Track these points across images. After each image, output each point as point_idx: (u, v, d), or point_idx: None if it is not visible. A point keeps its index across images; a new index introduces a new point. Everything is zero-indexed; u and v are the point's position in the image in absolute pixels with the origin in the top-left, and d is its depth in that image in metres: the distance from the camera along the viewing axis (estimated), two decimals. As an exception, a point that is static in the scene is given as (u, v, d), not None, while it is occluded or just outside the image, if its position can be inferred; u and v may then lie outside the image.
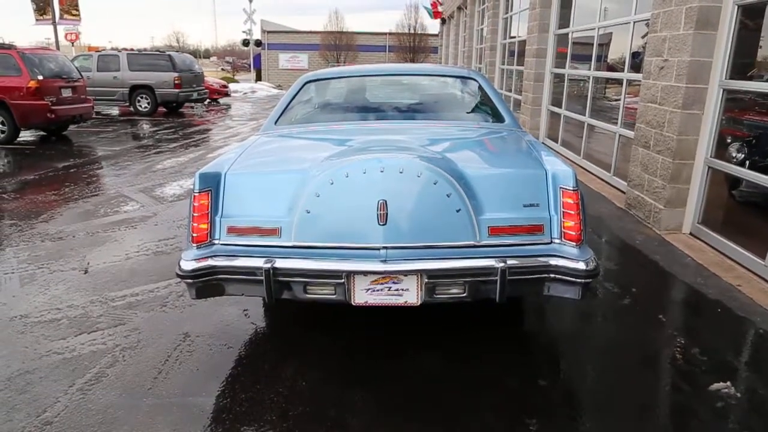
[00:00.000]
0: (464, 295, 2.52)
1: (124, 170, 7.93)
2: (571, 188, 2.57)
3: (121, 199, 6.23)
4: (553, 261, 2.50)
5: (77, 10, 22.03)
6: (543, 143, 3.27)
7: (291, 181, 2.61)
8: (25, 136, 11.18)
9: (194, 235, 2.62)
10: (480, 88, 3.93)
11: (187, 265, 2.57)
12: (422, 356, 2.94)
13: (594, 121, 7.79)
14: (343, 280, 2.48)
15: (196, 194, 2.63)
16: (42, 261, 4.30)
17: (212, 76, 25.98)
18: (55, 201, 6.11)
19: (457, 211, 2.48)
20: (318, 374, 2.80)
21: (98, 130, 12.57)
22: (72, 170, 7.89)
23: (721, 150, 4.71)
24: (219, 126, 13.93)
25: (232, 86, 26.51)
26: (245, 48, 35.24)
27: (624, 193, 6.12)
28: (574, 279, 2.49)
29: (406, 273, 2.46)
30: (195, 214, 2.62)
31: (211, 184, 2.66)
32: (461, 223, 2.48)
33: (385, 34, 44.14)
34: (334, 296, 2.53)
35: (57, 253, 4.46)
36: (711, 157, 4.80)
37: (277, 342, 3.12)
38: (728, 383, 2.71)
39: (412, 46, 43.07)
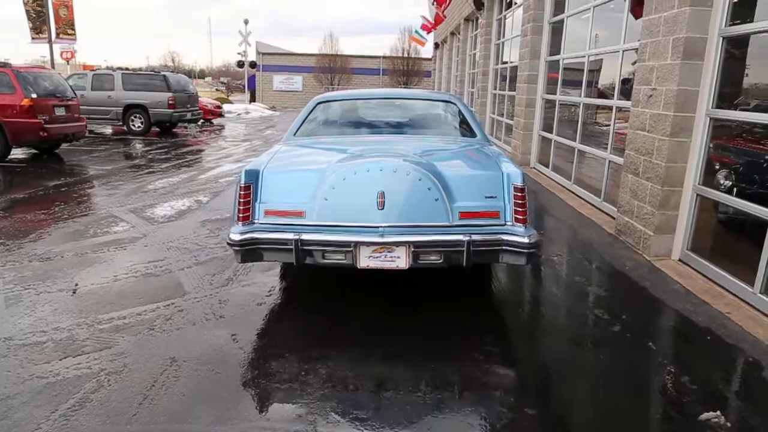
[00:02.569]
0: (440, 261, 3.49)
1: (116, 190, 7.89)
2: (520, 185, 3.59)
3: (111, 220, 6.18)
4: (505, 237, 3.51)
5: (73, 29, 22.13)
6: (502, 152, 4.28)
7: (313, 176, 3.62)
8: (17, 153, 11.11)
9: (240, 215, 3.60)
10: (457, 109, 5.15)
11: (235, 236, 3.55)
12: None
13: (584, 147, 7.85)
14: (351, 249, 3.44)
15: (242, 185, 3.62)
16: (29, 282, 4.25)
17: (207, 97, 26.06)
18: (44, 220, 6.07)
19: (436, 200, 3.49)
20: (309, 396, 2.79)
21: (91, 149, 12.51)
22: (62, 189, 7.84)
23: (709, 177, 4.74)
24: (212, 147, 13.93)
25: (226, 107, 26.59)
26: (240, 69, 35.50)
27: (614, 219, 6.13)
28: (520, 249, 3.49)
29: (398, 244, 3.43)
30: (241, 200, 3.61)
31: (253, 178, 3.67)
32: (438, 209, 3.49)
33: (379, 57, 44.55)
34: (344, 261, 3.48)
35: (44, 274, 4.41)
36: (699, 184, 4.84)
37: (264, 368, 3.08)
38: (718, 412, 2.71)
39: (405, 70, 43.48)
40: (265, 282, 4.34)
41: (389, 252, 3.49)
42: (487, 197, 3.62)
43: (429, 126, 5.11)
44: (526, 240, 3.52)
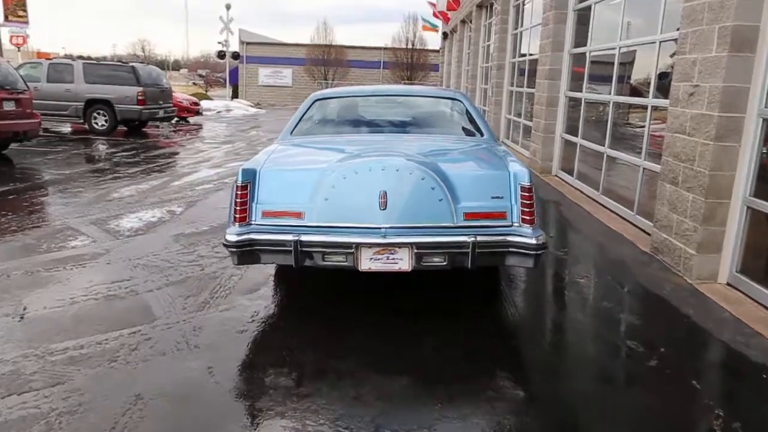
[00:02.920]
0: (444, 263, 3.83)
1: (74, 198, 7.83)
2: (527, 184, 3.95)
3: (68, 233, 6.15)
4: (512, 238, 3.85)
5: (25, 11, 22.05)
6: (509, 152, 4.67)
7: (312, 176, 3.99)
8: (-38, 156, 11.14)
9: (237, 216, 3.96)
10: (464, 107, 5.57)
11: (232, 237, 3.90)
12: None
13: (614, 152, 7.85)
14: (353, 250, 3.78)
15: (239, 184, 3.98)
16: (-31, 305, 4.16)
17: (182, 92, 26.16)
18: (-10, 233, 6.02)
19: (440, 200, 3.84)
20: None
21: (45, 149, 12.41)
22: (11, 197, 7.78)
23: (762, 187, 4.70)
24: (187, 149, 13.94)
25: (204, 104, 26.70)
26: (221, 61, 35.68)
27: (649, 235, 6.12)
28: (527, 251, 3.84)
29: (400, 245, 3.78)
30: (238, 200, 3.97)
31: (250, 178, 4.02)
32: (442, 209, 3.84)
33: (380, 48, 44.87)
34: (345, 263, 3.82)
35: (-12, 296, 4.34)
36: (750, 195, 4.80)
37: (246, 407, 3.06)
38: (774, 464, 2.65)
39: (409, 63, 43.80)
40: (247, 306, 4.33)
41: (392, 254, 3.85)
42: (493, 197, 4.01)
43: (433, 125, 5.55)
44: (533, 241, 3.88)
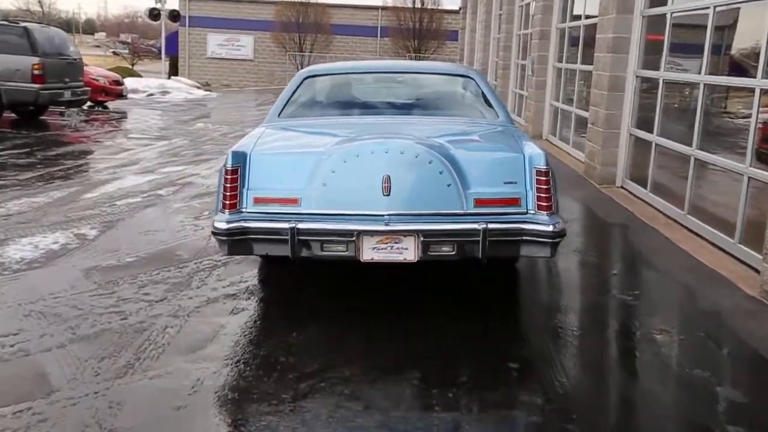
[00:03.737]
0: (453, 253, 4.77)
1: (-57, 215, 7.84)
2: (544, 168, 4.86)
3: (-76, 267, 6.09)
4: (527, 226, 4.74)
5: None
6: (525, 134, 5.92)
7: (309, 160, 4.91)
8: None
9: (226, 202, 4.85)
10: (476, 85, 6.62)
11: (221, 225, 4.80)
12: None
13: (706, 155, 7.86)
14: (354, 238, 4.66)
15: (228, 168, 4.91)
16: None
17: (98, 66, 26.21)
18: None
19: (448, 185, 4.73)
20: None
21: None
22: None
23: None
24: (106, 147, 13.96)
25: (129, 83, 26.67)
26: (153, 23, 35.78)
27: (758, 272, 6.07)
28: (544, 239, 4.73)
29: (405, 233, 4.67)
30: (227, 185, 4.88)
31: (240, 161, 4.93)
32: (451, 195, 4.73)
33: (377, 8, 45.29)
34: (345, 253, 4.75)
35: None
36: None
37: None
38: None
39: (417, 30, 44.13)
40: (188, 370, 4.29)
41: (396, 243, 4.75)
42: (506, 183, 4.91)
43: (441, 106, 6.66)
44: (550, 228, 4.77)
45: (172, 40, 41.00)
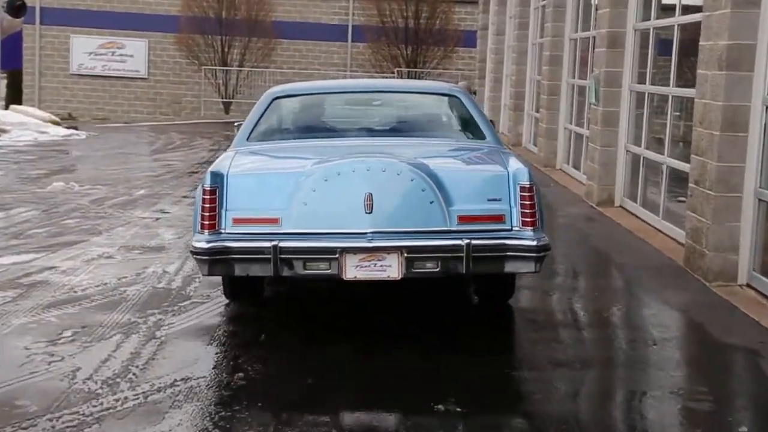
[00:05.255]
0: (437, 270, 7.41)
1: None
2: (527, 183, 7.42)
3: None
4: (510, 242, 7.37)
5: None
6: (512, 153, 9.07)
7: (289, 179, 7.52)
8: None
9: (205, 223, 7.33)
10: (462, 105, 9.43)
11: (201, 244, 7.27)
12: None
13: None
14: (337, 256, 7.15)
15: (206, 188, 7.36)
16: None
17: None
18: None
19: (431, 202, 7.26)
20: None
21: None
22: None
23: None
24: None
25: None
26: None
27: None
28: (528, 254, 7.37)
29: (389, 250, 7.21)
30: (206, 206, 7.33)
31: (218, 182, 7.40)
32: (434, 212, 7.27)
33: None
34: (329, 271, 7.25)
35: None
36: None
37: None
38: None
39: (412, 30, 43.93)
40: None
41: (379, 260, 7.12)
42: (489, 200, 7.42)
43: (424, 128, 9.66)
44: (534, 243, 7.25)
45: (12, 45, 39.89)
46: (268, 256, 6.95)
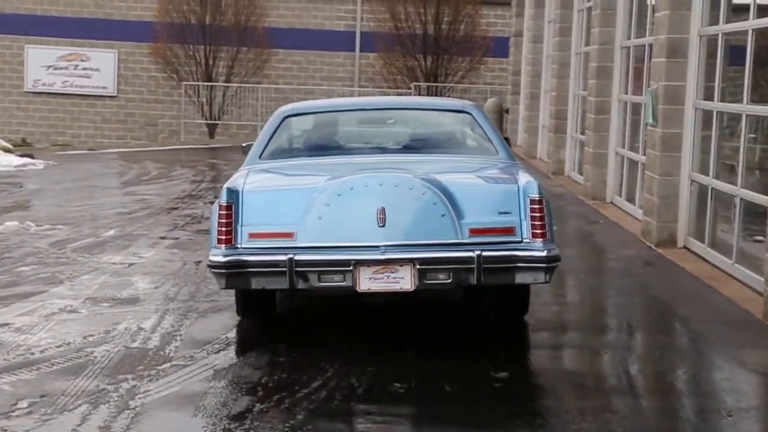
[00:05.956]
0: (449, 281, 9.40)
1: None
2: (537, 196, 9.39)
3: None
4: (520, 253, 9.31)
5: None
6: (522, 166, 10.92)
7: (303, 194, 9.71)
8: None
9: (221, 237, 9.43)
10: (474, 121, 11.54)
11: (218, 258, 9.35)
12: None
13: None
14: (351, 268, 9.13)
15: (223, 204, 9.52)
16: None
17: None
18: None
19: (442, 216, 9.21)
20: None
21: None
22: None
23: None
24: None
25: None
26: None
27: None
28: (537, 264, 9.29)
29: (402, 262, 9.18)
30: (222, 221, 9.45)
31: (234, 198, 9.57)
32: (445, 225, 9.21)
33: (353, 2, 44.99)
34: (343, 283, 9.29)
35: None
36: None
37: None
38: None
39: (432, 37, 43.90)
40: None
41: (392, 272, 8.75)
42: (500, 213, 9.07)
43: (437, 145, 11.64)
44: (544, 254, 8.84)
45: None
46: (284, 269, 8.67)
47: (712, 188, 14.72)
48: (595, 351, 10.06)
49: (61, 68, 43.36)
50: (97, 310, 11.25)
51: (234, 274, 8.89)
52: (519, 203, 8.97)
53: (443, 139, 11.94)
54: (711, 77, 14.90)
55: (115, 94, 43.51)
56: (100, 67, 43.53)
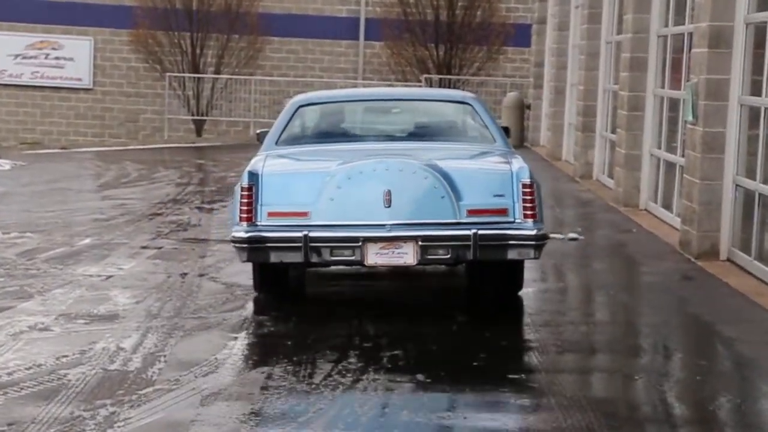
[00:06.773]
0: (448, 257, 12.76)
1: None
2: (528, 181, 12.49)
3: None
4: (512, 231, 12.56)
5: None
6: (517, 154, 13.66)
7: (316, 177, 12.92)
8: None
9: (243, 216, 12.60)
10: (474, 111, 15.03)
11: (240, 234, 12.46)
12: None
13: None
14: (360, 244, 12.28)
15: (244, 186, 12.64)
16: None
17: None
18: None
19: (442, 198, 12.29)
20: None
21: None
22: None
23: None
24: None
25: None
26: None
27: None
28: (527, 242, 12.55)
29: (405, 239, 12.40)
30: (244, 201, 12.61)
31: (254, 180, 12.73)
32: (445, 206, 12.30)
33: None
34: (352, 257, 12.58)
35: None
36: None
37: None
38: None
39: (445, 24, 43.88)
40: None
41: (397, 248, 11.62)
42: (495, 195, 11.90)
43: (438, 133, 14.83)
44: (533, 232, 11.71)
45: None
46: (299, 244, 11.04)
47: (759, 194, 14.71)
48: (628, 376, 9.93)
49: (30, 57, 43.35)
50: (72, 327, 11.29)
51: (254, 248, 11.25)
52: (512, 187, 11.39)
53: (445, 128, 15.03)
54: (758, 70, 14.85)
55: (91, 86, 43.52)
56: (74, 56, 43.51)
